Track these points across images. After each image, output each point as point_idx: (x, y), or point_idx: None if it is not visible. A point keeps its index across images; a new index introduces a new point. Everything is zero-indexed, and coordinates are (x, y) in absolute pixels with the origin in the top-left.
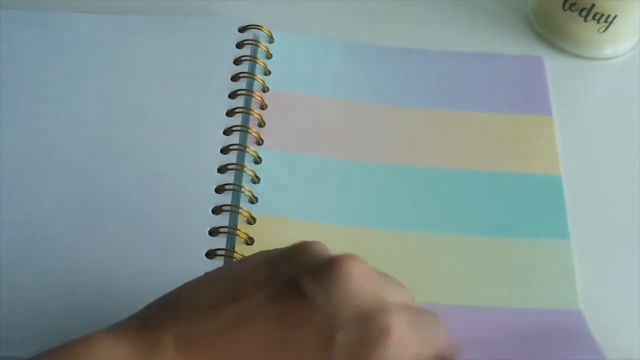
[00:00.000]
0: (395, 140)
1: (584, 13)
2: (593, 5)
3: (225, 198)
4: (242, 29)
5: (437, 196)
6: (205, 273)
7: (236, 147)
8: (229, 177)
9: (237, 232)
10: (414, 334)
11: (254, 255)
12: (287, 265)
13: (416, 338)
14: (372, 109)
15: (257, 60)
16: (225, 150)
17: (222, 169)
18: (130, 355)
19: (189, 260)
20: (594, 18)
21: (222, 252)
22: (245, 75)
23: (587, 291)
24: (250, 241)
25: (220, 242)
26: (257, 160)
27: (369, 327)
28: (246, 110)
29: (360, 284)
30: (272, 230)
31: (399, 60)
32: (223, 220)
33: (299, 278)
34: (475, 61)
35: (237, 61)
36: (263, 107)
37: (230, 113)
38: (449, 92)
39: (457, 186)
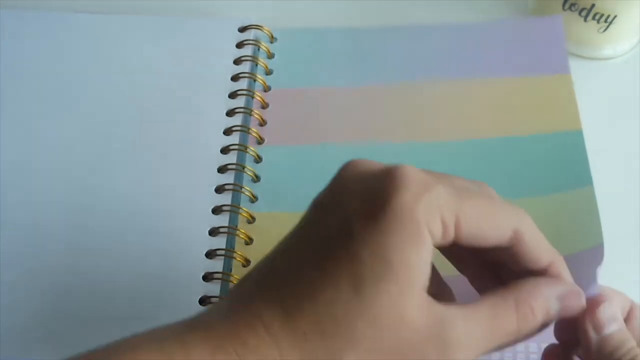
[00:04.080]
0: (410, 116)
1: (584, 13)
2: (593, 5)
3: (225, 198)
4: (242, 29)
5: (455, 169)
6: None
7: (236, 147)
8: (229, 177)
9: (237, 231)
10: (440, 179)
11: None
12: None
13: (445, 182)
14: (380, 88)
15: (258, 61)
16: (225, 150)
17: (222, 169)
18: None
19: (189, 260)
20: (594, 18)
21: (222, 252)
22: (246, 75)
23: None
24: (249, 241)
25: (220, 242)
26: (258, 160)
27: (375, 183)
28: (246, 110)
29: (363, 167)
30: (272, 228)
31: (405, 37)
32: (223, 220)
33: (317, 197)
34: (486, 29)
35: (237, 61)
36: (264, 106)
37: (230, 113)
38: (458, 60)
39: (478, 155)
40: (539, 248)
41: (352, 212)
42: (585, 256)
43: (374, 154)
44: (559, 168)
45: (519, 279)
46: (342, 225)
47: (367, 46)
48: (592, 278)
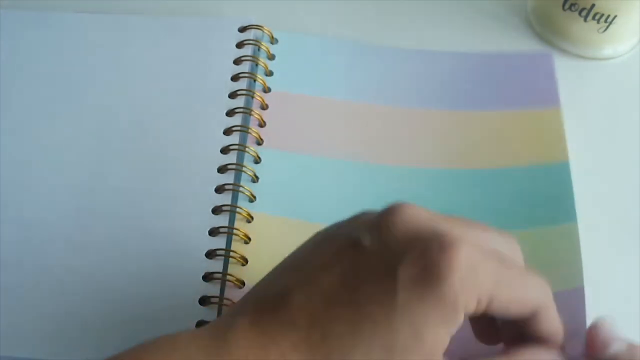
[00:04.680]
0: (404, 141)
1: (584, 13)
2: (593, 5)
3: (225, 198)
4: (242, 29)
5: (441, 197)
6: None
7: (236, 147)
8: (229, 177)
9: (237, 232)
10: (486, 256)
11: (313, 236)
12: (345, 229)
13: (490, 260)
14: (376, 109)
15: (258, 61)
16: (225, 150)
17: (222, 169)
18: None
19: (189, 260)
20: (594, 18)
21: (222, 252)
22: (246, 75)
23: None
24: (248, 240)
25: (220, 242)
26: (257, 160)
27: (428, 256)
28: (246, 111)
29: (415, 219)
30: (270, 229)
31: (404, 60)
32: (223, 220)
33: (356, 234)
34: (481, 61)
35: (237, 61)
36: (264, 107)
37: (230, 113)
38: (452, 92)
39: (463, 186)
40: (551, 327)
41: (401, 276)
42: (566, 296)
43: (369, 176)
44: (545, 201)
45: (520, 346)
46: (386, 282)
47: (369, 63)
48: (581, 320)
